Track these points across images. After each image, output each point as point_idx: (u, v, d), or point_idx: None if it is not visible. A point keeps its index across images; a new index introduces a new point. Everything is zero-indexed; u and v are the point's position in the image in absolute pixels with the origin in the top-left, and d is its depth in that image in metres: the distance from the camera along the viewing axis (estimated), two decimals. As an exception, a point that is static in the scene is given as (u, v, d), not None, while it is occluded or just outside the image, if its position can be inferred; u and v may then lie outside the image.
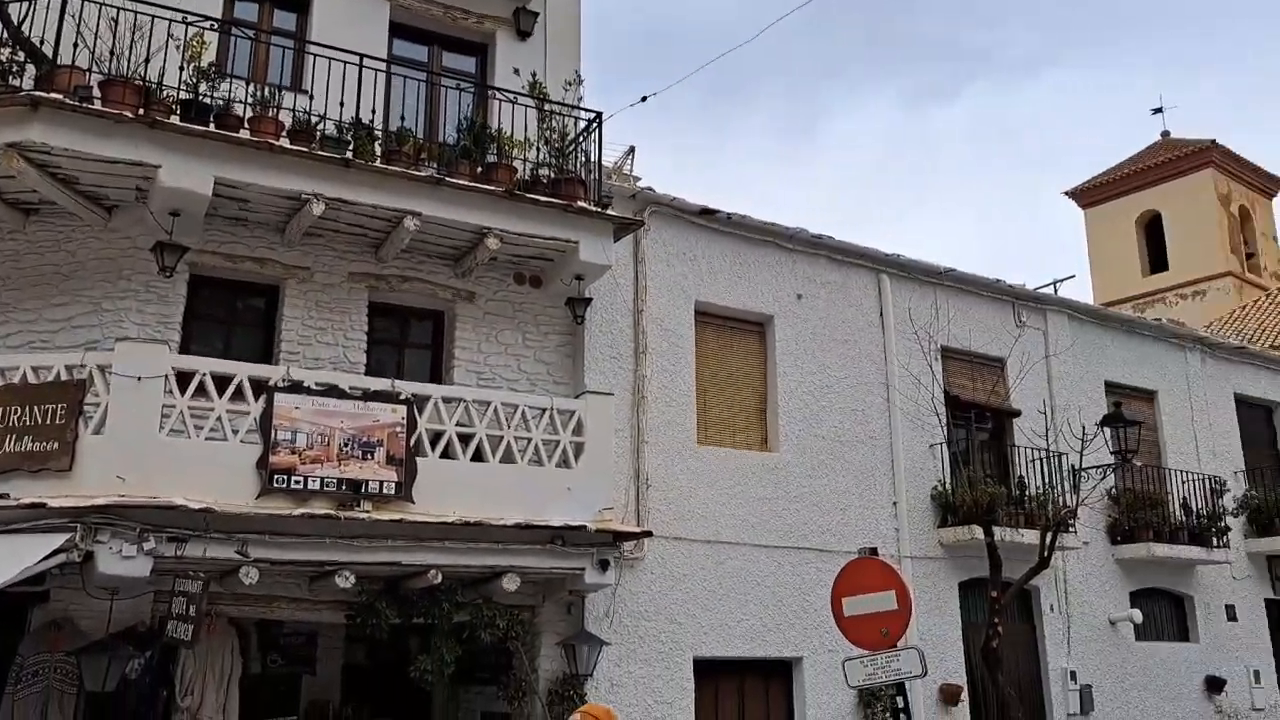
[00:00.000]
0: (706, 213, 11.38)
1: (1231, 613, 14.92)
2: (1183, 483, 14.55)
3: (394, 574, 8.59)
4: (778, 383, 11.60)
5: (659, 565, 10.12)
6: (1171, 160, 33.88)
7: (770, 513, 11.03)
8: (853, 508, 11.68)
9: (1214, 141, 33.41)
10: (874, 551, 8.16)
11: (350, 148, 8.82)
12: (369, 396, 8.40)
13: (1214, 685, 14.19)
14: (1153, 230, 34.73)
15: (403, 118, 9.55)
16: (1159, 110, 36.07)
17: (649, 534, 9.65)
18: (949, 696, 11.55)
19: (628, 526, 9.53)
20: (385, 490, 8.23)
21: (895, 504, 12.06)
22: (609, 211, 9.78)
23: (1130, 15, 73.86)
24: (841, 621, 7.85)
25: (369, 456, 8.23)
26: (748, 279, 11.66)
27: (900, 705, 7.44)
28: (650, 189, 11.12)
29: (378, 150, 9.07)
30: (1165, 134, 35.88)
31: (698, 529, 10.47)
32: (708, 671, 10.24)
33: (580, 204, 9.52)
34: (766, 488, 11.10)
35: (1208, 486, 14.66)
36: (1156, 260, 34.44)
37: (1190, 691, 14.03)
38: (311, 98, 9.04)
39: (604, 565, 8.95)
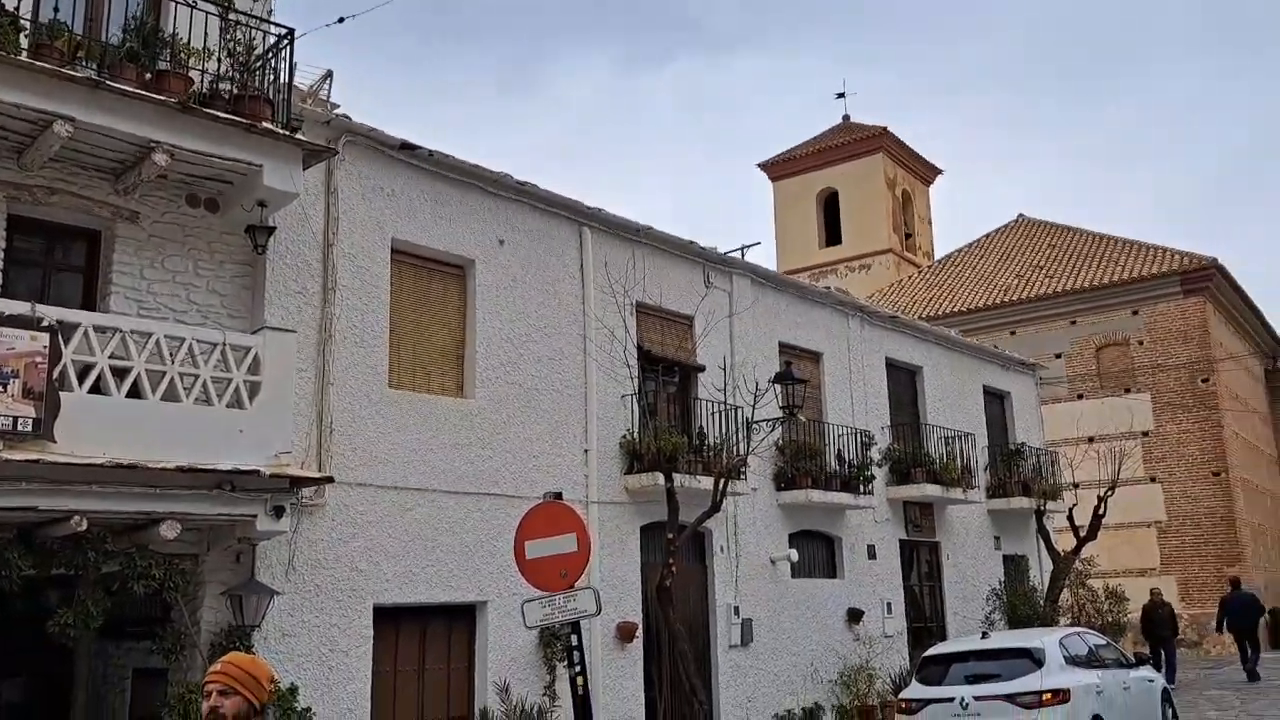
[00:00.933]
0: (407, 148, 10.97)
1: (872, 552, 16.77)
2: (838, 436, 16.09)
3: (29, 520, 7.66)
4: (476, 328, 11.48)
5: (341, 512, 9.76)
6: (849, 143, 37.07)
7: (462, 459, 10.95)
8: (545, 455, 11.86)
9: (885, 129, 36.92)
10: (558, 496, 8.33)
11: (-13, 36, 7.61)
12: (3, 321, 7.36)
13: (854, 616, 15.93)
14: (830, 206, 37.95)
15: (56, 9, 8.34)
16: (842, 95, 39.37)
17: (330, 480, 9.26)
18: (625, 633, 12.12)
19: (307, 471, 9.08)
20: (20, 427, 7.28)
21: (586, 451, 12.38)
22: (298, 136, 9.14)
23: (825, 3, 79.58)
24: (523, 564, 7.97)
25: (0, 389, 7.24)
26: (449, 220, 11.41)
27: (574, 643, 7.68)
28: (347, 117, 10.53)
29: (24, 43, 7.89)
30: (846, 118, 39.18)
31: (385, 475, 10.19)
32: (389, 618, 10.06)
33: (265, 125, 8.81)
34: (459, 434, 11.00)
35: (859, 440, 16.32)
36: (832, 234, 37.72)
37: (835, 622, 15.66)
38: (-65, -30, 7.69)
39: (279, 512, 8.47)
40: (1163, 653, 19.16)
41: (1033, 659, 10.69)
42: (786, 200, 38.21)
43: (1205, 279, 27.25)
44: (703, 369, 14.10)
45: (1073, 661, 11.02)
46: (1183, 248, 28.38)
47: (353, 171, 10.53)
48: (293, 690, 8.58)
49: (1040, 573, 20.15)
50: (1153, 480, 26.47)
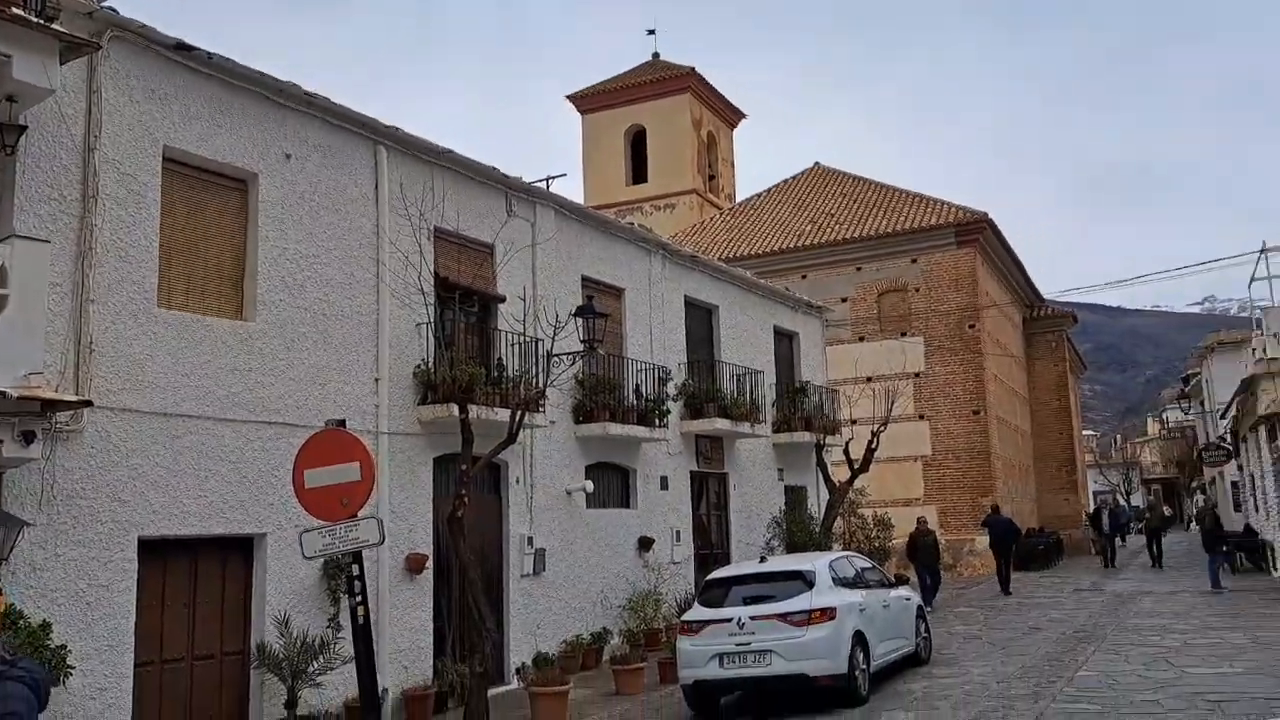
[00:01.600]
0: (183, 48, 10.10)
1: (664, 483, 17.30)
2: (637, 371, 16.39)
3: None
4: (258, 247, 10.83)
5: (102, 439, 9.06)
6: (657, 81, 37.29)
7: (241, 385, 10.39)
8: (332, 383, 11.43)
9: (693, 69, 37.33)
10: (341, 424, 8.07)
11: None
12: None
13: (645, 544, 16.43)
14: (638, 144, 38.17)
15: None
16: (652, 32, 39.43)
17: (89, 404, 8.56)
18: (414, 565, 12.00)
19: (62, 394, 8.36)
20: None
21: (377, 381, 12.04)
22: (54, 26, 8.23)
23: (640, -60, 78.93)
24: (302, 494, 7.71)
25: None
26: (230, 130, 10.64)
27: (355, 573, 7.52)
28: (114, 10, 9.56)
29: None
30: (656, 56, 39.31)
31: (153, 400, 9.53)
32: (156, 551, 9.49)
33: (15, 10, 7.88)
34: (238, 358, 10.41)
35: (656, 375, 16.69)
36: (639, 172, 38.01)
37: (627, 550, 16.10)
38: None
39: (28, 437, 7.78)
40: (927, 577, 20.60)
41: (804, 581, 11.38)
42: (595, 135, 38.12)
43: (977, 232, 29.34)
44: (503, 299, 13.94)
45: (840, 582, 11.80)
46: (960, 202, 30.40)
47: (120, 70, 9.61)
48: (45, 626, 7.99)
49: (817, 502, 21.41)
50: (921, 418, 28.57)
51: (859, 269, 29.96)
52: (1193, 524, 55.51)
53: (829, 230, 30.89)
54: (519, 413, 11.44)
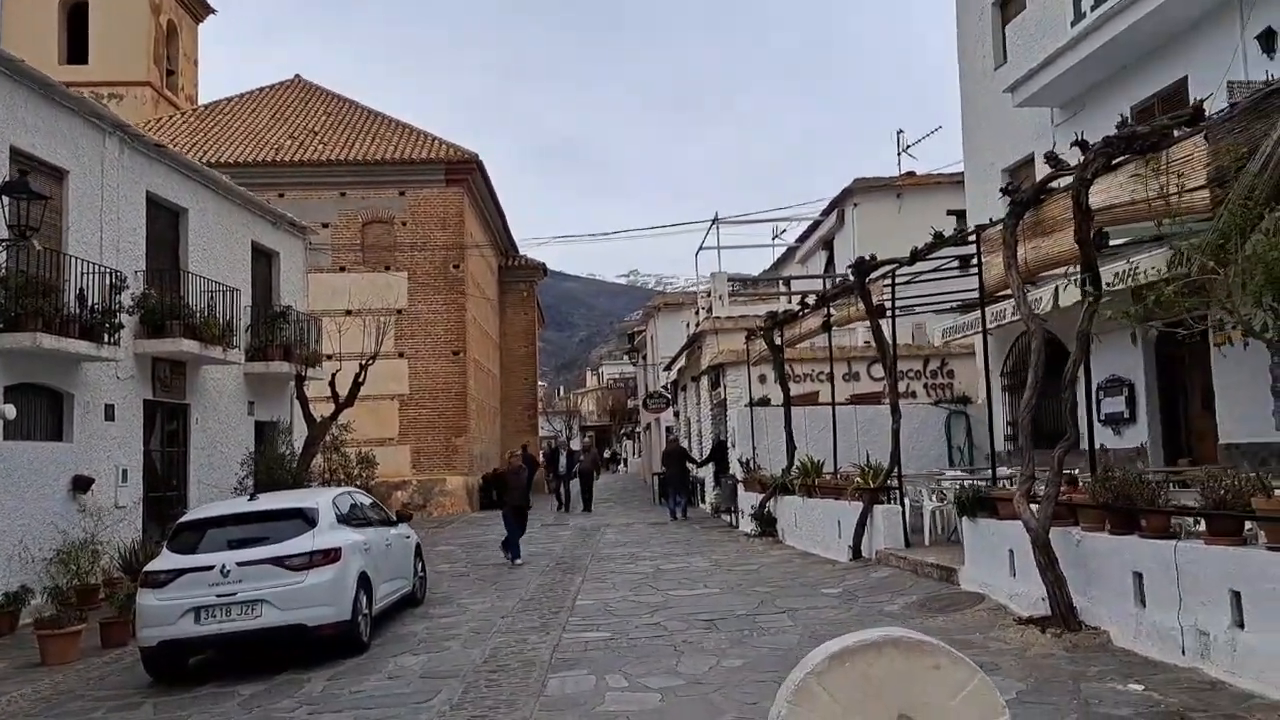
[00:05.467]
0: None
1: (110, 412, 14.40)
2: (82, 273, 13.29)
3: None
4: None
5: None
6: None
7: None
8: None
9: (158, -59, 32.09)
10: None
11: None
12: None
13: (81, 484, 13.50)
14: (77, 18, 32.02)
15: None
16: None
17: None
18: None
19: None
20: None
21: None
22: None
23: None
24: None
25: None
26: None
27: None
28: None
29: None
30: (109, -86, 33.11)
31: None
32: None
33: None
34: None
35: (110, 281, 13.69)
36: (77, 51, 31.93)
37: (56, 491, 13.10)
38: None
39: None
40: (513, 521, 16.62)
41: (305, 519, 9.96)
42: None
43: (466, 172, 29.15)
44: (-112, 155, 10.26)
45: (344, 521, 10.57)
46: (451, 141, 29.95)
47: None
48: None
49: (293, 438, 19.59)
50: (401, 355, 27.79)
51: (343, 194, 28.15)
52: (622, 466, 62.32)
53: (311, 149, 28.57)
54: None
